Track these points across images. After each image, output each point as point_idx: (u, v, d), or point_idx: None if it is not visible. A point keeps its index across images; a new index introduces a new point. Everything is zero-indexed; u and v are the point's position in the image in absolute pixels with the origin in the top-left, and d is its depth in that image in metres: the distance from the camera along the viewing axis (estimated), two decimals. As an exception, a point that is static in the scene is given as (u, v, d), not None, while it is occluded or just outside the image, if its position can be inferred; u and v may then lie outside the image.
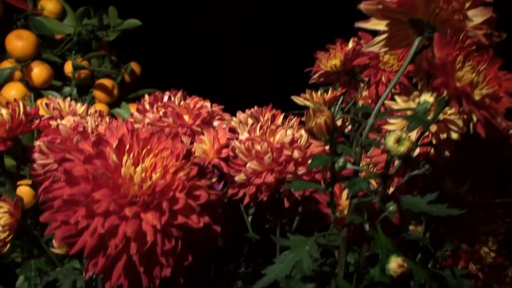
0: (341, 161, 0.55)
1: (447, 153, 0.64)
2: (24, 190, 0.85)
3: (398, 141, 0.52)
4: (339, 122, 0.91)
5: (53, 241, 0.53)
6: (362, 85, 0.91)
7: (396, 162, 0.58)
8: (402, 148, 0.52)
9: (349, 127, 0.94)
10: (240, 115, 0.81)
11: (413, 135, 0.61)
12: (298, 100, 0.86)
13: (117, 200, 0.47)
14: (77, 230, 0.48)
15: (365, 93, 0.89)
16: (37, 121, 0.71)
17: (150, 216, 0.48)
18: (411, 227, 0.83)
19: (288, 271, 0.55)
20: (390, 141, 0.52)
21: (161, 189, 0.49)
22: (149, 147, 0.52)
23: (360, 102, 0.90)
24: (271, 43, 1.75)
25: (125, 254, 0.48)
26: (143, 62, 1.53)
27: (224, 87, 0.90)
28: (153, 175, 0.49)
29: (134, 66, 1.50)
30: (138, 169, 0.49)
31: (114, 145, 0.50)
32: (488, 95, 0.50)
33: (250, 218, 0.76)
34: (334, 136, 0.55)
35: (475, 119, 0.52)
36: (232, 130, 0.76)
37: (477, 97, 0.50)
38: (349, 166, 0.56)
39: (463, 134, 0.83)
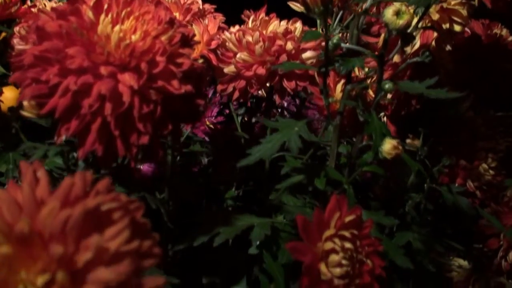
0: (335, 38, 0.52)
1: (448, 47, 0.61)
2: (7, 95, 0.82)
3: (397, 14, 0.49)
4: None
5: (23, 102, 0.49)
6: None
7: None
8: (401, 22, 0.49)
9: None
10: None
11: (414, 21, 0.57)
12: (295, 6, 0.82)
13: (92, 57, 0.44)
14: (48, 89, 0.44)
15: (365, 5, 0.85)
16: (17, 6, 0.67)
17: (127, 77, 0.44)
18: (408, 141, 0.80)
19: (275, 151, 0.51)
20: (389, 13, 0.49)
21: (140, 51, 0.45)
22: (129, 9, 0.48)
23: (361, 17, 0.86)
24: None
25: (99, 117, 0.44)
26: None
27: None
28: (133, 37, 0.46)
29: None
30: (116, 28, 0.46)
31: (91, 3, 0.47)
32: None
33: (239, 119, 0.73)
34: (328, 8, 0.51)
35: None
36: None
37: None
38: (343, 45, 0.53)
39: (466, 48, 0.80)
